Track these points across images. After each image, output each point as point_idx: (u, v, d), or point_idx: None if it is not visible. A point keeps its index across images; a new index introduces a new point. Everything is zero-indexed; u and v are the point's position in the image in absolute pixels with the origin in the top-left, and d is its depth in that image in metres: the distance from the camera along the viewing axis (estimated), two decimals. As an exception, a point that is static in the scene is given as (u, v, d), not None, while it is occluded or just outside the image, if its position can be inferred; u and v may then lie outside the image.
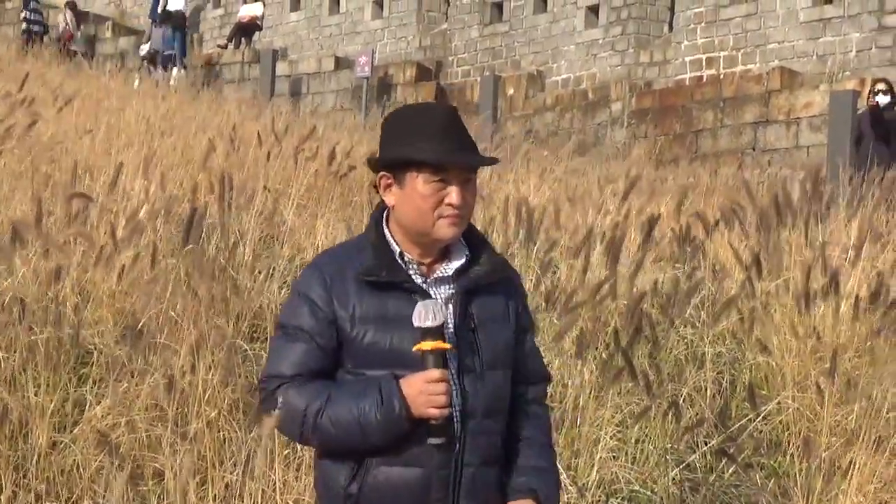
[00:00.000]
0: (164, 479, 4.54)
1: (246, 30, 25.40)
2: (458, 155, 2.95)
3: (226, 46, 25.67)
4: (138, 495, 4.61)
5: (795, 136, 16.03)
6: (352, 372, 2.95)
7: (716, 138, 16.95)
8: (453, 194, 2.94)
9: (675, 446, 5.50)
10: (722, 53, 18.39)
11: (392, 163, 2.98)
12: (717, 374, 6.23)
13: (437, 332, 2.88)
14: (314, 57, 24.30)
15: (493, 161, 3.12)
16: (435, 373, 2.86)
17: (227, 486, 4.55)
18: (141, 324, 5.38)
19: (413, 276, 2.98)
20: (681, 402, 5.64)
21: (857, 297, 6.33)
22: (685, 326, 6.47)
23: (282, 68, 23.42)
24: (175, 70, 22.40)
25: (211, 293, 5.71)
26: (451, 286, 3.00)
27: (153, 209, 6.69)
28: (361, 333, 2.93)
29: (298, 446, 4.69)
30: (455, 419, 2.94)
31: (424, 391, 2.86)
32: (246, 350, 5.68)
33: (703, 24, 18.63)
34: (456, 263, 3.03)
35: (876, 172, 9.76)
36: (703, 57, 18.59)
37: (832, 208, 8.19)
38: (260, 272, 6.52)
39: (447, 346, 2.90)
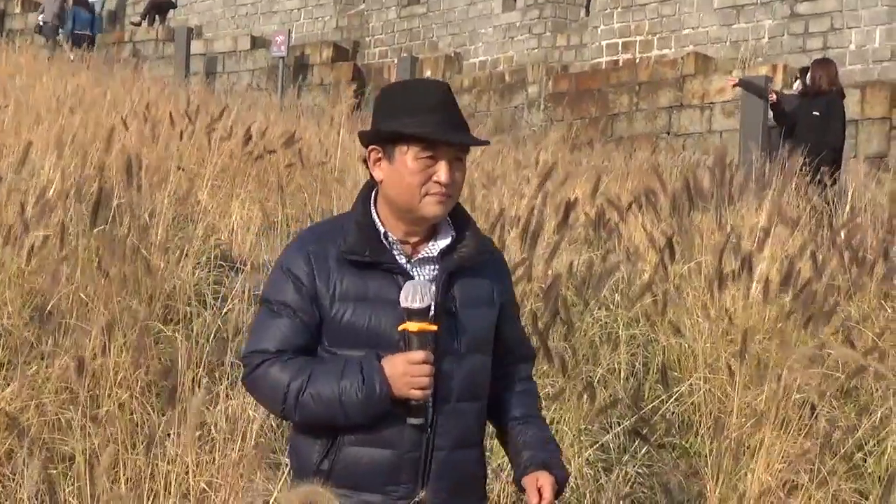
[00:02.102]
0: (75, 462, 4.48)
1: (160, 7, 25.05)
2: (449, 132, 2.92)
3: (139, 24, 25.29)
4: (48, 478, 4.54)
5: (709, 121, 16.25)
6: (328, 350, 2.94)
7: (631, 122, 17.12)
8: (442, 171, 2.91)
9: (590, 427, 5.55)
10: (638, 38, 18.56)
11: (383, 137, 2.95)
12: (631, 355, 6.29)
13: (423, 314, 2.86)
14: (230, 36, 24.06)
15: (485, 142, 3.12)
16: (419, 354, 2.84)
17: (139, 468, 4.50)
18: (50, 305, 5.30)
19: (397, 257, 2.96)
20: (595, 383, 5.69)
21: (767, 280, 6.44)
22: (600, 308, 6.53)
23: (197, 47, 23.16)
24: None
25: (122, 274, 5.63)
26: (435, 267, 2.98)
27: (63, 188, 6.58)
28: (341, 312, 2.91)
29: (212, 428, 4.65)
30: (429, 403, 2.92)
31: (407, 372, 2.84)
32: (159, 331, 5.62)
33: (619, 9, 18.78)
34: (441, 244, 3.00)
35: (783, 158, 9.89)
36: (620, 41, 18.75)
37: (744, 193, 8.30)
38: (173, 253, 6.45)
39: (433, 327, 2.87)
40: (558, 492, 3.02)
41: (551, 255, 6.50)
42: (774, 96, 11.60)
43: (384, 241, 2.96)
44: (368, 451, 2.91)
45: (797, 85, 12.67)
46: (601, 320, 6.45)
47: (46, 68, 14.29)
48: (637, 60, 18.14)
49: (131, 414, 4.87)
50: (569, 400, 5.48)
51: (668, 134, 16.61)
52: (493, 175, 9.39)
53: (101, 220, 5.81)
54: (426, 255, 2.98)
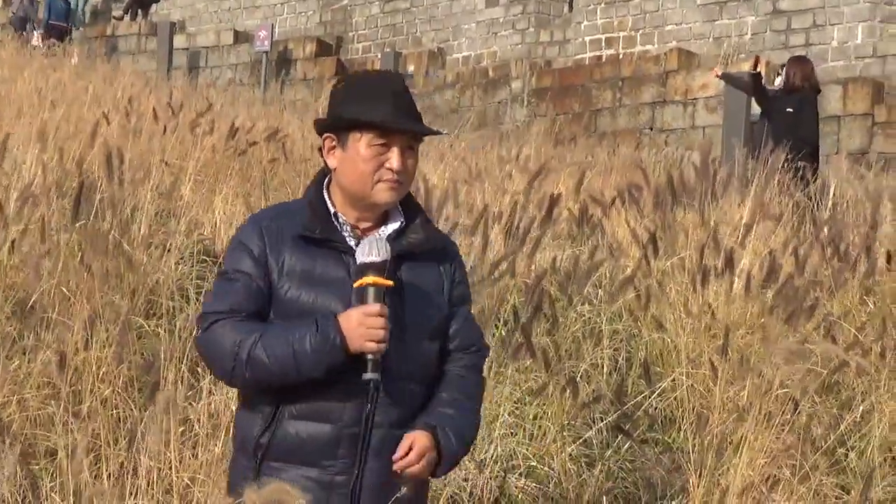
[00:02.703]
0: (57, 457, 4.46)
1: (142, 1, 24.94)
2: (402, 121, 3.00)
3: (121, 18, 25.19)
4: (30, 474, 4.52)
5: (692, 117, 16.27)
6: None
7: (614, 118, 17.14)
8: (394, 159, 2.98)
9: (573, 422, 5.55)
10: (621, 34, 18.57)
11: (337, 125, 3.03)
12: (614, 351, 6.29)
13: (379, 269, 2.90)
14: (213, 30, 23.98)
15: (437, 132, 3.19)
16: (374, 306, 2.88)
17: (121, 464, 4.49)
18: (32, 300, 5.27)
19: (346, 238, 3.01)
20: (578, 378, 5.70)
21: (749, 275, 6.45)
22: (583, 304, 6.53)
23: (179, 41, 23.07)
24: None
25: (105, 268, 5.61)
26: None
27: (45, 182, 6.55)
28: (286, 287, 2.96)
29: (194, 424, 4.64)
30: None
31: (363, 323, 2.86)
32: (141, 326, 5.59)
33: (602, 5, 18.79)
34: (390, 228, 3.06)
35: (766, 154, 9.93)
36: (603, 37, 18.76)
37: (727, 188, 8.32)
38: (156, 247, 6.42)
39: (389, 282, 2.92)
40: (441, 467, 3.00)
41: (534, 250, 6.50)
42: (754, 66, 11.73)
43: (335, 222, 3.03)
44: (308, 425, 2.95)
45: (779, 81, 12.71)
46: (584, 315, 6.45)
47: (28, 62, 14.22)
48: (620, 56, 18.16)
49: (113, 409, 4.85)
50: (552, 395, 5.48)
51: (651, 129, 16.64)
52: (477, 170, 9.38)
53: (84, 214, 5.79)
54: (372, 237, 3.00)
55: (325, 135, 3.06)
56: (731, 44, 16.99)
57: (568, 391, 5.37)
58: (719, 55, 16.68)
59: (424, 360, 3.05)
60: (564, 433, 5.42)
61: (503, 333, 5.78)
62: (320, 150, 3.10)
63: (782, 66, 13.34)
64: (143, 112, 9.61)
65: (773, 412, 5.42)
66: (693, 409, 5.83)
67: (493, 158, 11.00)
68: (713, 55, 16.80)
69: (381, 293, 2.90)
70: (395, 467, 2.96)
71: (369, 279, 2.89)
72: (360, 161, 2.98)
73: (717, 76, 12.88)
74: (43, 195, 6.32)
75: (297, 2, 23.97)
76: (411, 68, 20.24)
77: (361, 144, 2.98)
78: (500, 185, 8.64)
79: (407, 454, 2.95)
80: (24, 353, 5.05)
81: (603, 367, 6.10)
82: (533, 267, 6.38)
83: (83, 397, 4.81)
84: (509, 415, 5.44)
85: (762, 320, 6.32)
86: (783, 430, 5.33)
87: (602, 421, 5.62)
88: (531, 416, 5.55)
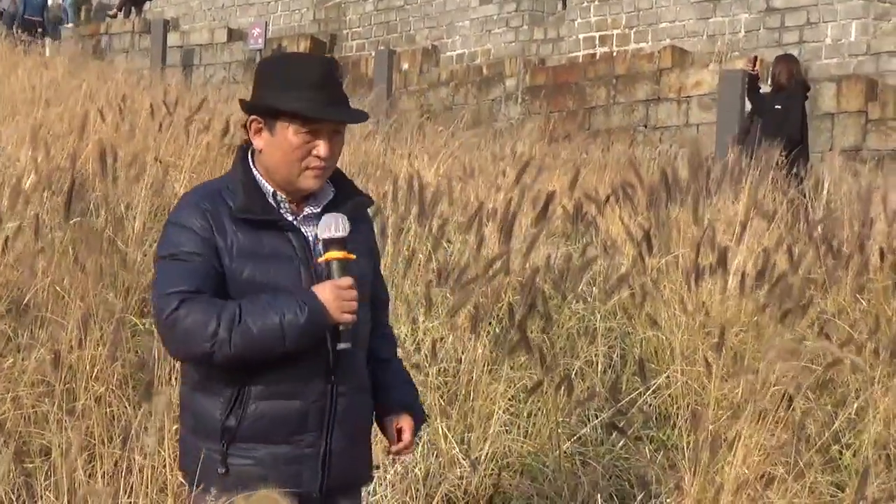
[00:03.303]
0: (51, 456, 4.45)
1: (136, -1, 24.90)
2: (329, 110, 3.00)
3: (115, 15, 25.14)
4: (24, 472, 4.51)
5: (686, 114, 16.28)
6: None
7: (608, 115, 17.13)
8: (321, 147, 2.99)
9: (567, 420, 5.55)
10: (615, 32, 18.57)
11: (266, 110, 3.01)
12: (609, 348, 6.29)
13: (340, 243, 2.97)
14: (206, 28, 23.94)
15: (363, 117, 3.16)
16: (346, 280, 2.95)
17: (116, 462, 4.48)
18: (27, 298, 5.26)
19: (285, 215, 3.04)
20: (573, 376, 5.70)
21: (743, 273, 6.45)
22: (577, 302, 6.53)
23: (173, 39, 23.03)
24: (48, 41, 21.88)
25: (99, 266, 5.59)
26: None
27: (38, 180, 6.53)
28: (240, 268, 2.95)
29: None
30: (331, 353, 3.00)
31: (339, 297, 2.93)
32: (135, 324, 5.58)
33: (596, 3, 18.79)
34: (323, 201, 3.09)
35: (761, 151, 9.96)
36: (597, 35, 18.76)
37: (721, 186, 8.32)
38: (150, 245, 6.41)
39: (352, 256, 2.99)
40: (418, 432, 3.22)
41: (529, 248, 6.49)
42: (752, 66, 11.78)
43: (272, 201, 3.04)
44: (276, 404, 2.97)
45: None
46: (579, 313, 6.45)
47: (22, 59, 14.20)
48: (614, 54, 18.15)
49: (108, 407, 4.85)
50: (546, 392, 5.48)
51: (646, 127, 16.64)
52: (471, 168, 9.38)
53: (77, 212, 5.77)
54: (310, 212, 3.07)
55: (252, 117, 3.05)
56: (724, 41, 16.99)
57: (563, 389, 5.36)
58: (713, 53, 16.68)
59: (366, 324, 3.13)
60: (559, 430, 5.42)
61: (498, 331, 5.77)
62: (244, 126, 3.10)
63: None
64: (137, 110, 9.59)
65: (767, 409, 5.42)
66: (688, 407, 5.83)
67: (487, 156, 11.00)
68: (707, 53, 16.80)
69: (345, 268, 2.97)
70: (394, 454, 3.17)
71: (335, 254, 2.96)
72: (287, 148, 2.99)
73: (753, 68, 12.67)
74: (36, 193, 6.31)
75: (290, -1, 23.96)
76: (405, 66, 20.23)
77: (289, 132, 2.99)
78: (494, 183, 8.63)
79: (399, 439, 3.14)
80: (19, 351, 5.04)
81: (598, 364, 6.10)
82: (527, 265, 6.37)
83: (77, 395, 4.80)
84: (504, 412, 5.44)
85: (756, 318, 6.33)
86: (777, 427, 5.33)
87: (597, 418, 5.62)
88: (526, 414, 5.54)
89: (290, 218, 3.04)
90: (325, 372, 3.00)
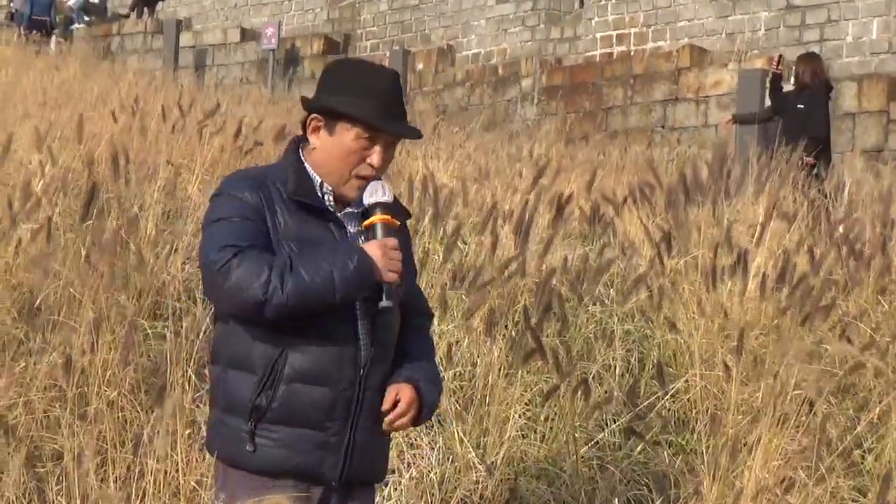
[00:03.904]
0: (63, 460, 4.46)
1: (148, -1, 24.99)
2: (392, 122, 3.13)
3: (128, 16, 25.23)
4: (35, 477, 4.53)
5: (704, 115, 16.24)
6: None
7: (626, 116, 17.11)
8: (376, 156, 3.13)
9: (584, 424, 5.54)
10: (632, 30, 18.55)
11: (330, 112, 3.13)
12: (626, 351, 6.28)
13: (386, 208, 3.09)
14: (219, 28, 24.01)
15: (419, 135, 3.27)
16: (392, 240, 3.08)
17: (128, 467, 4.49)
18: (38, 301, 5.28)
19: (329, 206, 3.16)
20: (590, 380, 5.69)
21: (763, 275, 6.43)
22: (594, 304, 6.52)
23: (186, 39, 23.11)
24: (53, 39, 21.97)
25: (111, 269, 5.61)
26: (359, 224, 3.17)
27: (50, 182, 6.56)
28: (286, 248, 3.05)
29: (201, 426, 4.64)
30: (363, 346, 3.10)
31: (385, 254, 3.04)
32: (148, 328, 5.60)
33: (613, 1, 18.77)
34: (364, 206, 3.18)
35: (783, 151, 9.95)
36: (614, 34, 18.74)
37: (741, 186, 8.30)
38: (163, 247, 6.43)
39: (397, 222, 3.12)
40: (420, 417, 3.20)
41: (545, 249, 6.49)
42: (776, 64, 11.75)
43: (319, 192, 3.16)
44: (308, 388, 3.06)
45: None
46: (596, 316, 6.44)
47: (34, 61, 14.25)
48: (632, 53, 18.13)
49: (120, 412, 4.86)
50: (563, 397, 5.47)
51: (663, 128, 16.61)
52: (486, 169, 9.38)
53: (90, 214, 5.79)
54: (351, 210, 3.19)
55: (313, 115, 3.17)
56: (743, 40, 16.95)
57: (580, 393, 5.36)
58: (732, 51, 16.65)
59: (397, 329, 3.24)
60: (576, 435, 5.41)
61: (513, 334, 5.77)
62: (303, 123, 3.21)
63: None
64: (150, 111, 9.62)
65: (787, 413, 5.40)
66: (707, 411, 5.82)
67: (502, 157, 11.00)
68: (726, 51, 16.77)
69: (389, 232, 3.09)
70: (386, 419, 3.15)
71: (378, 217, 3.07)
72: (343, 151, 3.12)
73: (728, 122, 12.83)
74: (48, 195, 6.33)
75: (304, -1, 24.00)
76: (420, 66, 20.24)
77: (349, 136, 3.11)
78: (510, 184, 8.63)
79: (394, 406, 3.15)
80: (30, 355, 5.05)
81: (615, 368, 6.09)
82: (544, 267, 6.37)
83: (89, 400, 4.82)
84: (520, 416, 5.43)
85: (776, 321, 6.31)
86: (798, 431, 5.31)
87: (614, 423, 5.61)
88: (542, 418, 5.54)
89: (333, 210, 3.16)
90: (356, 361, 3.09)
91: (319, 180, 3.16)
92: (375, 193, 3.11)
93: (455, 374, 5.56)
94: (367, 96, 3.09)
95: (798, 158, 9.82)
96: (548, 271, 6.02)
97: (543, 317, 5.59)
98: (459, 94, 19.39)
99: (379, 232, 3.08)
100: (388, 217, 3.10)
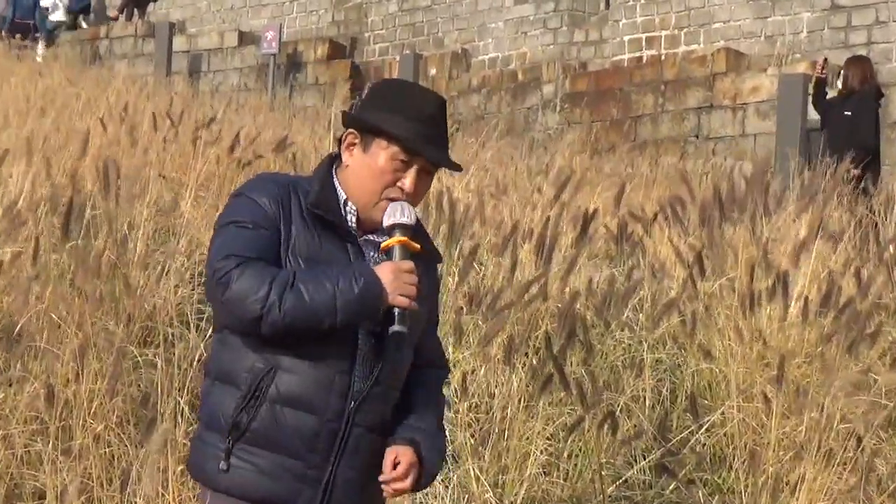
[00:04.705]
0: (45, 499, 4.47)
1: (139, 0, 25.09)
2: (431, 148, 3.20)
3: (116, 18, 25.35)
4: (15, 518, 4.54)
5: (742, 123, 16.23)
6: None
7: (656, 125, 17.12)
8: (408, 179, 3.18)
9: (612, 461, 5.54)
10: (663, 33, 18.57)
11: (369, 127, 3.20)
12: (657, 382, 6.28)
13: (407, 230, 3.14)
14: (215, 31, 24.10)
15: (458, 168, 3.33)
16: (407, 263, 3.12)
17: (115, 507, 4.50)
18: (19, 326, 5.29)
19: (351, 226, 3.21)
20: (617, 412, 5.68)
21: (806, 299, 6.42)
22: (622, 330, 6.52)
23: (179, 43, 23.19)
24: (41, 44, 22.09)
25: (98, 292, 5.63)
26: (376, 253, 3.20)
27: (34, 198, 6.58)
28: (293, 264, 3.10)
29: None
30: (357, 377, 3.12)
31: (398, 278, 3.08)
32: (137, 356, 5.61)
33: (642, 1, 18.80)
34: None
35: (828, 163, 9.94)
36: (643, 36, 18.76)
37: (781, 202, 8.30)
38: (154, 269, 6.44)
39: (417, 246, 3.15)
40: (421, 482, 3.21)
41: (568, 271, 6.49)
42: (821, 68, 11.71)
43: (343, 209, 3.22)
44: (292, 413, 3.09)
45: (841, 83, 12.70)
46: (624, 343, 6.44)
47: (16, 66, 14.34)
48: (662, 57, 18.15)
49: (107, 447, 4.87)
50: (588, 431, 5.46)
51: (697, 137, 16.61)
52: (504, 183, 9.39)
53: (75, 233, 5.81)
54: (373, 238, 3.23)
55: (350, 130, 3.24)
56: (784, 43, 16.95)
57: (606, 426, 5.35)
58: (772, 55, 16.65)
59: (405, 368, 3.26)
60: (603, 473, 5.40)
61: (534, 363, 5.77)
62: (339, 140, 3.27)
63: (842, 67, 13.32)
64: (140, 121, 9.66)
65: (833, 449, 5.39)
66: (745, 446, 5.81)
67: (522, 170, 11.01)
68: (765, 55, 16.77)
69: (407, 254, 3.13)
70: (383, 482, 3.15)
71: (395, 240, 3.12)
72: (376, 171, 3.18)
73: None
74: (31, 212, 6.36)
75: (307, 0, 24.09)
76: (433, 71, 20.29)
77: (384, 155, 3.17)
78: (531, 200, 8.64)
79: (394, 469, 3.15)
80: (10, 385, 5.07)
81: (645, 399, 6.08)
82: (567, 289, 6.37)
83: (74, 433, 4.83)
84: (542, 452, 5.43)
85: (820, 348, 6.29)
86: (845, 468, 5.30)
87: (644, 459, 5.61)
88: (566, 454, 5.53)
89: (354, 233, 3.21)
90: (346, 392, 3.11)
91: (345, 197, 3.21)
92: (395, 214, 3.15)
93: (471, 406, 5.56)
94: (409, 117, 3.16)
95: (844, 171, 9.81)
96: (571, 294, 6.02)
97: (567, 344, 5.59)
98: (475, 101, 19.42)
99: (397, 254, 3.12)
100: (406, 239, 3.13)
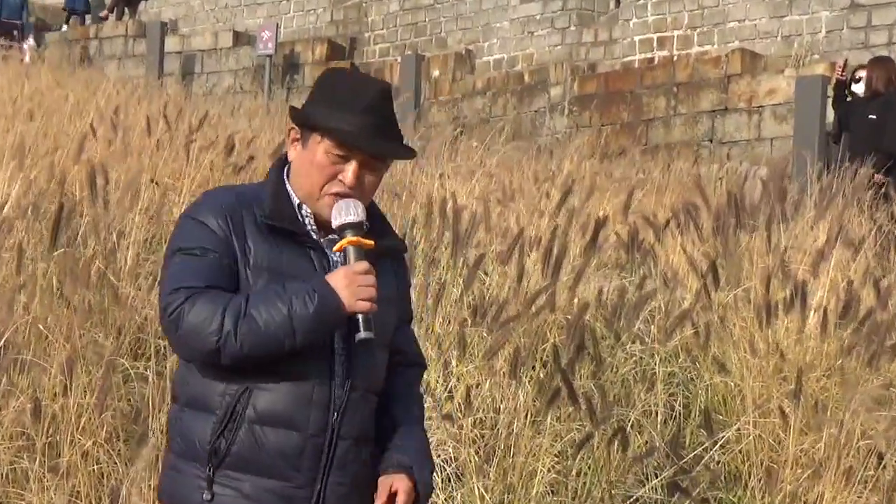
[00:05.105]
0: (31, 519, 4.47)
1: (129, -2, 25.14)
2: (371, 140, 3.15)
3: (106, 17, 25.39)
4: (0, 538, 4.54)
5: (758, 127, 16.24)
6: None
7: (668, 128, 17.12)
8: (348, 172, 3.15)
9: (622, 479, 5.53)
10: (675, 33, 18.58)
11: (305, 121, 3.19)
12: (669, 396, 6.28)
13: (357, 228, 3.10)
14: (209, 31, 24.14)
15: (407, 154, 3.30)
16: (361, 264, 3.09)
17: (104, 527, 4.50)
18: (5, 338, 5.30)
19: (311, 231, 3.20)
20: (628, 428, 5.68)
21: (825, 309, 6.42)
22: (633, 342, 6.51)
23: (172, 44, 23.22)
24: (26, 44, 22.12)
25: (87, 303, 5.63)
26: (339, 257, 3.16)
27: (20, 205, 6.59)
28: (255, 280, 3.09)
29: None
30: (336, 386, 3.10)
31: (353, 282, 3.05)
32: (127, 369, 5.61)
33: (654, 0, 18.82)
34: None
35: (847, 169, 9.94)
36: (655, 36, 18.77)
37: (798, 209, 8.30)
38: (145, 279, 6.45)
39: (370, 242, 3.11)
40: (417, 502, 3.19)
41: (577, 281, 6.49)
42: (841, 70, 11.70)
43: (299, 213, 3.20)
44: (273, 432, 3.07)
45: (858, 86, 12.70)
46: (635, 356, 6.44)
47: (2, 67, 14.37)
48: (675, 58, 18.16)
49: (95, 464, 4.86)
50: (597, 448, 5.46)
51: (711, 141, 16.61)
52: (511, 190, 9.39)
53: (63, 241, 5.81)
54: (334, 237, 3.18)
55: (291, 126, 3.25)
56: (802, 43, 16.96)
57: (616, 443, 5.35)
58: (789, 56, 16.66)
59: (381, 373, 3.25)
60: (613, 491, 5.40)
61: (541, 377, 5.77)
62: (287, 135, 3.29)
63: (857, 67, 13.34)
64: (131, 125, 9.67)
65: (853, 467, 5.38)
66: (761, 464, 5.80)
67: (529, 176, 11.01)
68: (781, 56, 16.78)
69: (361, 254, 3.10)
70: None
71: (346, 241, 3.09)
72: (315, 165, 3.17)
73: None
74: (18, 219, 6.36)
75: (305, -2, 24.12)
76: (436, 73, 20.31)
77: (320, 149, 3.16)
78: (538, 207, 8.65)
79: (391, 499, 3.14)
80: (-5, 400, 5.07)
81: (657, 415, 6.08)
82: (575, 300, 6.37)
83: (61, 450, 4.83)
84: (549, 470, 5.42)
85: (840, 361, 6.29)
86: (866, 487, 5.29)
87: (656, 477, 5.60)
88: (574, 472, 5.53)
89: (314, 236, 3.19)
90: (327, 404, 3.10)
91: (299, 202, 3.20)
92: (342, 213, 3.12)
93: (475, 422, 5.56)
94: (346, 109, 3.14)
95: (866, 176, 9.80)
96: (580, 305, 6.02)
97: (575, 357, 5.59)
98: (480, 104, 19.43)
99: (351, 256, 3.09)
100: (358, 238, 3.10)
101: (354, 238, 3.10)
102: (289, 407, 3.06)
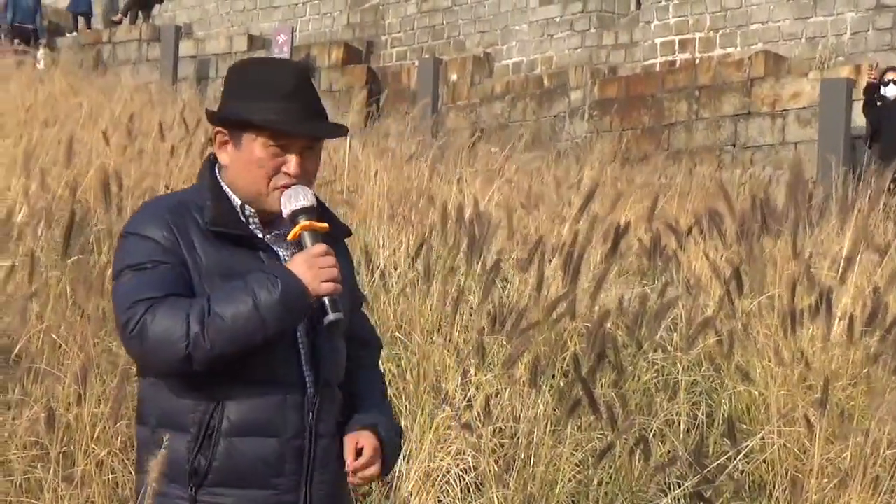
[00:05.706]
0: (46, 530, 4.49)
1: (144, 2, 25.22)
2: (302, 123, 3.13)
3: (120, 21, 25.48)
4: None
5: (781, 131, 16.22)
6: None
7: (690, 133, 17.11)
8: (292, 163, 3.12)
9: (644, 489, 5.53)
10: (697, 35, 18.57)
11: (232, 121, 3.13)
12: (692, 405, 6.27)
13: (310, 213, 3.08)
14: (224, 35, 24.21)
15: (340, 131, 3.29)
16: (320, 247, 3.07)
17: (119, 537, 4.52)
18: (18, 347, 5.32)
19: (256, 232, 3.17)
20: (650, 437, 5.68)
21: (851, 317, 6.41)
22: (655, 351, 6.51)
23: (186, 48, 23.30)
24: (41, 51, 22.22)
25: (101, 311, 5.65)
26: (289, 246, 3.16)
27: (33, 212, 6.62)
28: (210, 287, 3.04)
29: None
30: (308, 385, 3.10)
31: (314, 265, 3.03)
32: (142, 378, 5.62)
33: (675, 2, 18.81)
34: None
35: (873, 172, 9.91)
36: (676, 39, 18.77)
37: (824, 214, 8.29)
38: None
39: (324, 225, 3.12)
40: (387, 464, 3.21)
41: (598, 288, 6.49)
42: (872, 72, 11.69)
43: (241, 215, 3.16)
44: (251, 442, 3.05)
45: (891, 89, 12.69)
46: (657, 364, 6.43)
47: (15, 73, 14.43)
48: (697, 61, 18.15)
49: (110, 473, 4.88)
50: (619, 457, 5.46)
51: (734, 146, 16.60)
52: (531, 196, 9.40)
53: (76, 248, 5.84)
54: (279, 233, 3.18)
55: (217, 129, 3.17)
56: (826, 45, 16.94)
57: (638, 452, 5.35)
58: (813, 58, 16.64)
59: (343, 359, 3.25)
60: (634, 502, 5.39)
61: (562, 385, 5.77)
62: (211, 140, 3.23)
63: (887, 70, 13.32)
64: (146, 131, 9.71)
65: (880, 477, 5.37)
66: (786, 473, 5.79)
67: (549, 181, 11.02)
68: (806, 58, 16.76)
69: (317, 237, 3.09)
70: (351, 470, 3.15)
71: (300, 226, 3.07)
72: (255, 164, 3.12)
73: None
74: (30, 226, 6.39)
75: (321, 1, 24.17)
76: (454, 77, 20.33)
77: (256, 146, 3.11)
78: (558, 213, 8.65)
79: (357, 456, 3.15)
80: (9, 409, 5.09)
81: (679, 424, 6.07)
82: (596, 308, 6.37)
83: (76, 459, 4.84)
84: (570, 480, 5.42)
85: (866, 369, 6.28)
86: (892, 497, 5.28)
87: (679, 487, 5.60)
88: (596, 482, 5.53)
89: (260, 235, 3.17)
90: (302, 405, 3.09)
91: (240, 202, 3.16)
92: (292, 200, 3.09)
93: (495, 431, 5.56)
94: (268, 98, 3.10)
95: (892, 180, 9.78)
96: (601, 313, 6.02)
97: (596, 365, 5.59)
98: (498, 108, 19.45)
99: (307, 241, 3.08)
100: (312, 222, 3.09)
101: (307, 223, 3.08)
102: (263, 414, 3.05)
